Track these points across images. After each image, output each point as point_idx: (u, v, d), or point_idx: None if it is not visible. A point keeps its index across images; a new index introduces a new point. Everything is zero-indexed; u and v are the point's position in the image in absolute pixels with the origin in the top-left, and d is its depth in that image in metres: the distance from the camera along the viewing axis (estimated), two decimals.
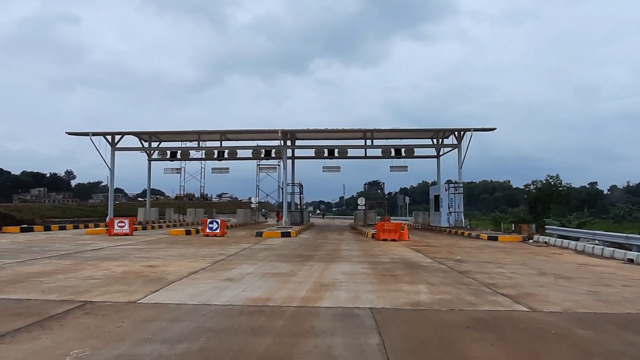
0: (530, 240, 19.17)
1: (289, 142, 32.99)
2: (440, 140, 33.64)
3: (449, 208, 28.33)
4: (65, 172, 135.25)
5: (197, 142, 33.77)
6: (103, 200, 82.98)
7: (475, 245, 16.70)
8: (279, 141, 29.19)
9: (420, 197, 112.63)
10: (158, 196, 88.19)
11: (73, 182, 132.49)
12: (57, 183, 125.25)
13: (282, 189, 30.75)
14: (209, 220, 19.50)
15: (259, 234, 20.04)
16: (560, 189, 37.90)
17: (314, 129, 28.90)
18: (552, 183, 37.70)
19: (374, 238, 19.50)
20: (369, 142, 34.11)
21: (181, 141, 34.50)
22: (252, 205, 39.87)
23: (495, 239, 19.42)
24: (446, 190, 28.70)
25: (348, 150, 34.77)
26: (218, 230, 19.11)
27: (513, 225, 27.76)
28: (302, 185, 32.85)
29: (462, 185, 27.02)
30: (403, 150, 34.50)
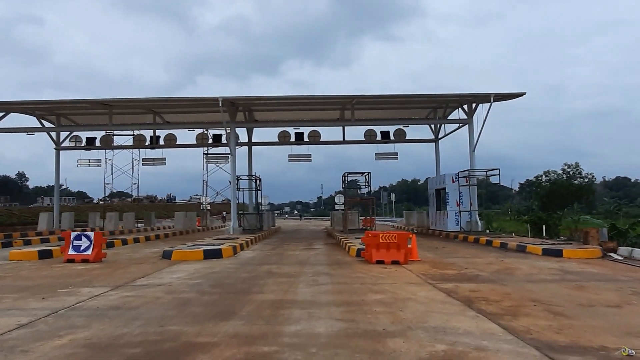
0: (615, 255, 11.75)
1: (241, 120, 24.85)
2: (443, 115, 26.13)
3: (458, 205, 20.79)
4: (16, 174, 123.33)
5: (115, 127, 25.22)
6: (50, 204, 72.77)
7: (549, 273, 9.07)
8: (225, 121, 21.03)
9: (401, 196, 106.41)
10: (114, 199, 78.38)
11: (31, 185, 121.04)
12: (7, 186, 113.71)
13: (230, 183, 22.60)
14: (74, 234, 11.20)
15: (167, 255, 11.89)
16: (580, 180, 31.09)
17: (272, 96, 20.76)
18: (571, 173, 30.85)
19: (360, 257, 11.73)
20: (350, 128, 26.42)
21: (101, 128, 25.85)
22: (203, 206, 31.46)
23: (556, 253, 11.90)
24: (454, 182, 21.15)
25: (321, 133, 26.94)
26: (90, 252, 10.87)
27: (544, 227, 20.50)
28: (258, 179, 24.70)
29: (485, 173, 19.48)
30: (392, 132, 26.91)
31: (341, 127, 26.73)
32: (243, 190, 23.44)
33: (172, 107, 23.39)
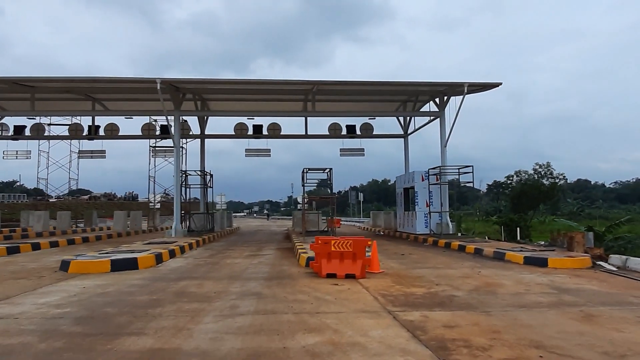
0: (606, 265, 10.06)
1: (191, 109, 22.24)
2: (413, 108, 24.36)
3: (428, 206, 18.98)
4: None
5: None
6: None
7: (540, 291, 7.13)
8: (166, 109, 18.36)
9: (371, 196, 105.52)
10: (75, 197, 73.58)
11: None
12: None
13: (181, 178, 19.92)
14: None
15: (65, 267, 9.32)
16: (551, 180, 30.08)
17: (223, 79, 18.20)
18: (542, 173, 29.80)
19: (309, 268, 9.56)
20: (318, 120, 24.29)
21: (23, 113, 22.60)
22: (151, 205, 28.51)
23: (540, 262, 10.11)
24: (424, 180, 19.33)
25: (282, 126, 24.73)
26: None
27: (518, 230, 19.02)
28: (209, 175, 22.10)
29: (458, 170, 17.62)
30: (358, 127, 24.97)
31: (303, 121, 24.59)
32: (189, 187, 20.83)
33: (108, 91, 20.50)
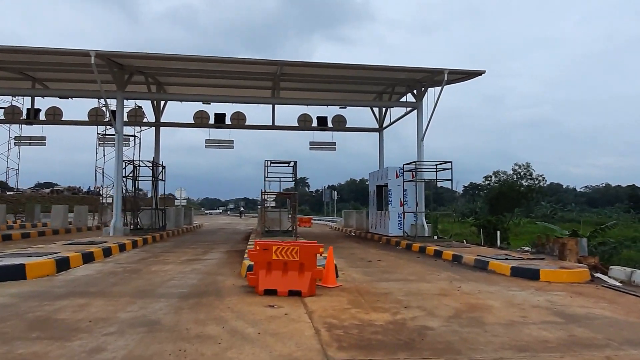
0: (607, 278, 8.44)
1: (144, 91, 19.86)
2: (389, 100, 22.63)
3: (402, 205, 17.22)
4: None
5: None
6: None
7: (540, 320, 5.32)
8: (104, 90, 15.97)
9: (349, 196, 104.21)
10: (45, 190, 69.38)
11: None
12: None
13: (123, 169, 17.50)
14: None
15: None
16: (531, 182, 28.92)
17: (173, 55, 15.85)
18: (522, 174, 28.59)
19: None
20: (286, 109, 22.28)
21: None
22: (102, 199, 25.88)
23: (530, 274, 8.40)
24: (398, 177, 17.56)
25: (248, 116, 22.62)
26: None
27: (498, 233, 17.52)
28: (155, 166, 19.60)
29: (435, 167, 15.82)
30: (330, 119, 23.08)
31: (271, 113, 22.50)
32: (138, 180, 18.46)
33: (47, 69, 17.87)
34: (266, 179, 17.04)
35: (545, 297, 6.75)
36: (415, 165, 15.87)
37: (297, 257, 6.58)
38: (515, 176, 28.05)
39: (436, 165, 16.03)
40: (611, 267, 9.02)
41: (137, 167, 18.69)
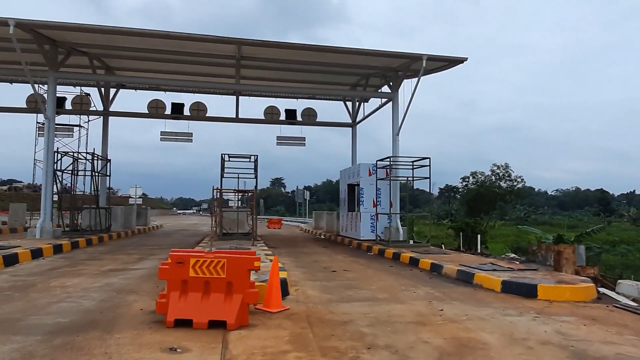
0: (616, 295, 6.97)
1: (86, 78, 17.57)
2: (362, 92, 21.05)
3: (375, 206, 15.60)
4: None
5: None
6: None
7: None
8: (28, 69, 13.69)
9: (325, 196, 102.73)
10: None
11: None
12: None
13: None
14: None
15: None
16: (508, 183, 27.86)
17: (118, 27, 13.58)
18: (500, 175, 27.52)
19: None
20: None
21: None
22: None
23: (526, 291, 6.83)
24: (371, 174, 15.95)
25: (209, 107, 20.62)
26: None
27: (478, 237, 16.17)
28: (96, 159, 17.25)
29: (412, 163, 14.17)
30: (300, 112, 21.33)
31: (235, 106, 20.57)
32: (77, 175, 16.15)
33: None
34: (224, 175, 15.13)
35: (552, 325, 5.14)
36: (390, 161, 14.24)
37: (224, 274, 4.76)
38: (493, 177, 26.98)
39: (412, 162, 14.46)
40: (619, 281, 7.56)
41: (77, 161, 16.41)
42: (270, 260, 8.66)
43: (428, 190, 13.97)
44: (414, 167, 14.49)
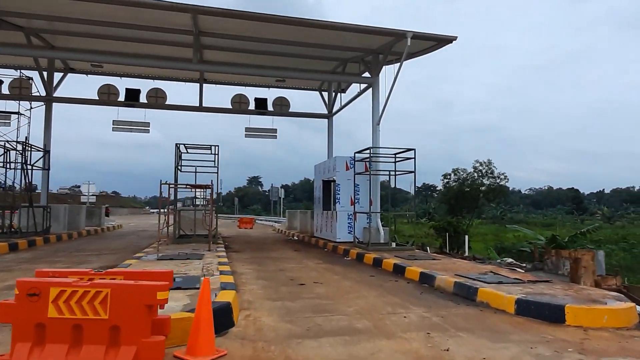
0: None
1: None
2: (337, 84, 19.33)
3: (353, 204, 13.88)
4: None
5: None
6: None
7: None
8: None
9: (302, 195, 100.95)
10: None
11: None
12: None
13: None
14: None
15: None
16: (492, 180, 26.70)
17: None
18: (483, 172, 26.30)
19: None
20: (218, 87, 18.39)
21: None
22: None
23: (550, 314, 5.20)
24: (348, 169, 14.23)
25: (169, 95, 18.51)
26: None
27: (467, 239, 14.72)
28: (27, 148, 14.75)
29: (394, 155, 12.45)
30: (271, 102, 19.44)
31: (198, 87, 18.52)
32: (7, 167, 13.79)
33: None
34: (180, 167, 13.13)
35: None
36: (370, 153, 12.52)
37: (105, 314, 2.89)
38: (476, 174, 25.77)
39: (395, 154, 12.80)
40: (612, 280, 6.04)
41: (8, 152, 14.07)
42: (222, 273, 6.81)
43: (412, 186, 12.37)
44: (397, 159, 12.84)
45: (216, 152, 13.02)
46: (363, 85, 15.95)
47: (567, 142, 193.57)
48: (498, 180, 25.69)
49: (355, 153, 13.15)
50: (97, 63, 16.97)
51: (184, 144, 12.75)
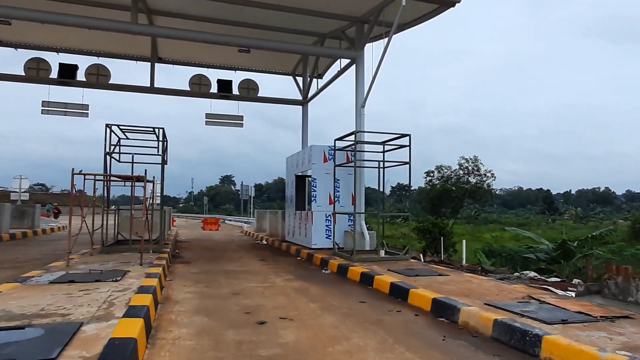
0: None
1: None
2: (313, 67, 16.89)
3: (331, 203, 11.45)
4: None
5: None
6: None
7: None
8: None
9: (277, 195, 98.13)
10: None
11: None
12: None
13: None
14: None
15: None
16: (478, 179, 24.83)
17: None
18: (469, 169, 24.39)
19: None
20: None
21: None
22: None
23: None
24: (327, 160, 11.80)
25: (112, 72, 15.60)
26: None
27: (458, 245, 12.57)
28: None
29: (383, 145, 10.01)
30: (236, 85, 16.82)
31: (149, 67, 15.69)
32: None
33: None
34: (111, 154, 10.35)
35: None
36: (356, 139, 10.06)
37: None
38: (461, 171, 23.86)
39: (384, 142, 10.43)
40: None
41: None
42: (127, 315, 4.18)
43: (408, 179, 10.04)
44: (386, 149, 10.48)
45: (162, 138, 10.29)
46: (345, 64, 13.51)
47: (533, 144, 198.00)
48: (485, 178, 23.82)
49: (335, 140, 10.68)
50: (33, 43, 13.86)
51: (119, 125, 9.96)
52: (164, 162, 10.43)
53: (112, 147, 10.53)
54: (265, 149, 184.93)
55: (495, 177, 23.59)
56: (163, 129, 10.22)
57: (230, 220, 42.30)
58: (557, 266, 13.06)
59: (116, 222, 11.73)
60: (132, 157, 10.20)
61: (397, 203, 66.38)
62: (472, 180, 23.81)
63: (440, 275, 7.54)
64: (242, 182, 58.01)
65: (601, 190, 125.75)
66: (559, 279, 8.12)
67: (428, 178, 25.88)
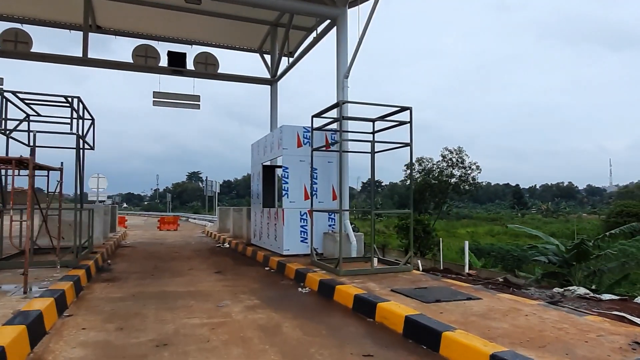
0: None
1: None
2: (282, 44, 14.39)
3: (308, 198, 9.04)
4: None
5: None
6: None
7: None
8: None
9: (246, 191, 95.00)
10: None
11: None
12: None
13: None
14: None
15: None
16: (462, 171, 23.04)
17: None
18: (453, 161, 22.55)
19: None
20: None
21: None
22: None
23: None
24: (302, 145, 9.37)
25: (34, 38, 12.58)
26: None
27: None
28: None
29: (373, 125, 7.94)
30: (191, 59, 14.13)
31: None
32: None
33: None
34: (31, 147, 7.55)
35: None
36: (340, 113, 7.65)
37: None
38: (445, 164, 22.00)
39: (374, 120, 8.11)
40: None
41: None
42: None
43: (410, 165, 7.83)
44: (376, 129, 8.17)
45: (77, 108, 7.53)
46: (321, 29, 11.08)
47: (498, 141, 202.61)
48: (469, 171, 22.03)
49: (312, 117, 8.23)
50: None
51: (15, 92, 7.15)
52: (80, 145, 7.69)
53: (16, 125, 7.73)
54: (233, 144, 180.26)
55: (480, 169, 21.90)
56: (79, 97, 7.48)
57: (194, 218, 39.22)
58: (566, 269, 11.22)
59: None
60: (34, 136, 7.34)
61: (369, 198, 65.04)
62: (457, 172, 21.98)
63: (469, 298, 5.28)
64: (206, 177, 54.70)
65: (565, 185, 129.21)
66: (615, 297, 6.07)
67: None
